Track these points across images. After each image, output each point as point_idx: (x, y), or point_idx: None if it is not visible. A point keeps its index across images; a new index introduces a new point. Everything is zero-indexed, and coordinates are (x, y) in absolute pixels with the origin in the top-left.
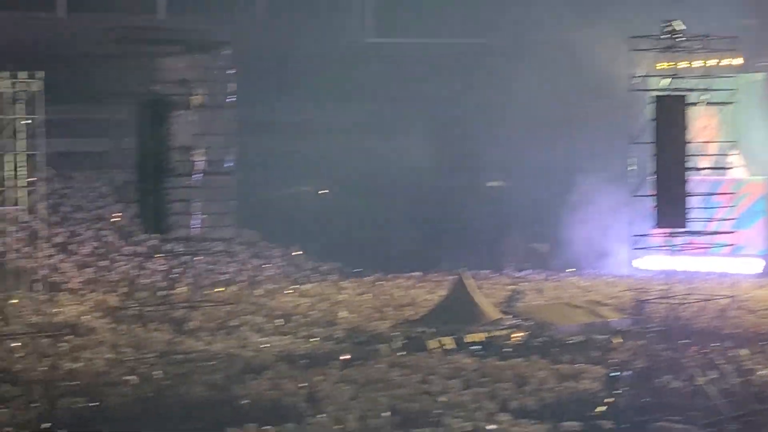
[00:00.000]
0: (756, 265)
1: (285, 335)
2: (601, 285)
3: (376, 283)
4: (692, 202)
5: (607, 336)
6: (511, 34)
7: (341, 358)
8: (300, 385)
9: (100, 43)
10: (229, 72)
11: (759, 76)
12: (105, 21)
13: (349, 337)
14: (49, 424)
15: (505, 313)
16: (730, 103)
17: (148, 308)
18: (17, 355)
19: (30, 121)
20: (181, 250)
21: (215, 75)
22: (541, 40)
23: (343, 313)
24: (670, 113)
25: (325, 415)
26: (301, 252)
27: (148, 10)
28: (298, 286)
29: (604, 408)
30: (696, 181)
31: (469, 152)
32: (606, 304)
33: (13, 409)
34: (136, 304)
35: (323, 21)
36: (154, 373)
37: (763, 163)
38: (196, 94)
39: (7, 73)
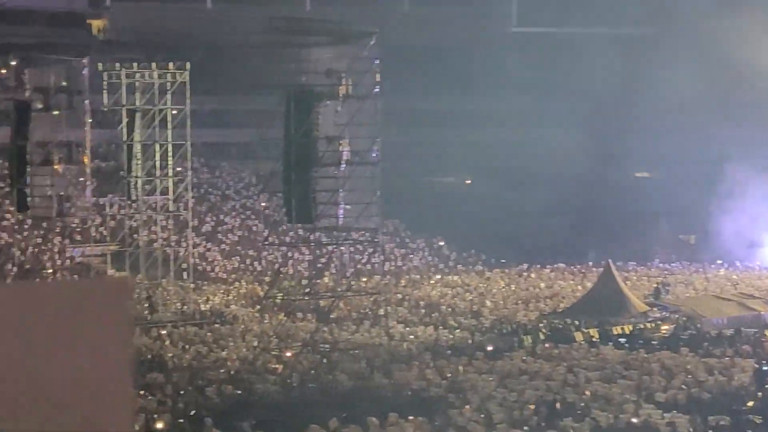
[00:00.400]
0: None
1: (429, 326)
2: (752, 277)
3: (522, 274)
4: None
5: (757, 329)
6: (658, 23)
7: (487, 348)
8: (444, 375)
9: (248, 33)
10: (374, 62)
11: None
12: (252, 12)
13: (494, 328)
14: (195, 411)
15: (652, 305)
16: None
17: (294, 298)
18: (165, 343)
19: (178, 112)
20: (326, 240)
21: (361, 65)
22: (688, 29)
23: (488, 304)
24: None
25: (469, 406)
26: (444, 243)
27: (295, 2)
28: (442, 276)
29: (754, 402)
30: None
31: (616, 143)
32: (757, 297)
33: (160, 397)
34: (282, 294)
35: (469, 11)
36: (298, 362)
37: None
38: (343, 85)
39: (155, 64)
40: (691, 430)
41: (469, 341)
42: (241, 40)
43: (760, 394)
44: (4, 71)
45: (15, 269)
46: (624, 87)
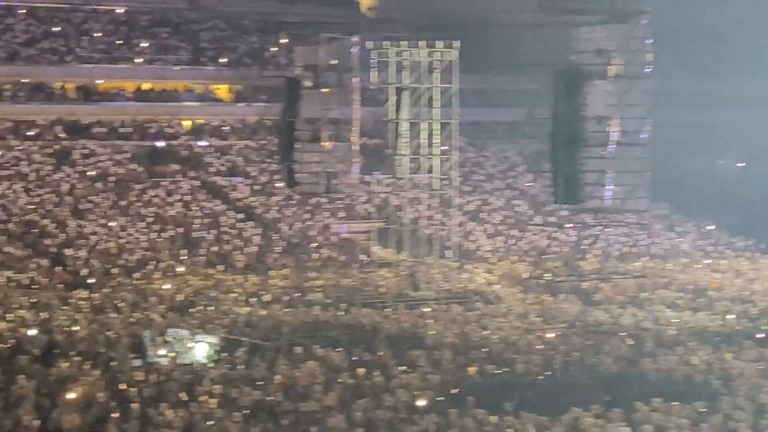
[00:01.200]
0: None
1: (697, 311)
2: None
3: None
4: None
5: None
6: None
7: (757, 336)
8: (711, 362)
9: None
10: (647, 42)
11: None
12: None
13: (764, 315)
14: (457, 390)
15: None
16: None
17: (558, 279)
18: (427, 322)
19: (444, 90)
20: (592, 221)
21: (632, 45)
22: None
23: (757, 290)
24: None
25: (737, 395)
26: (714, 227)
27: None
28: (711, 261)
29: None
30: None
31: None
32: None
33: (422, 373)
34: (546, 274)
35: None
36: (561, 343)
37: None
38: (613, 64)
39: (424, 42)
40: None
41: (738, 328)
42: (510, 18)
43: None
44: (275, 49)
45: (283, 243)
46: None
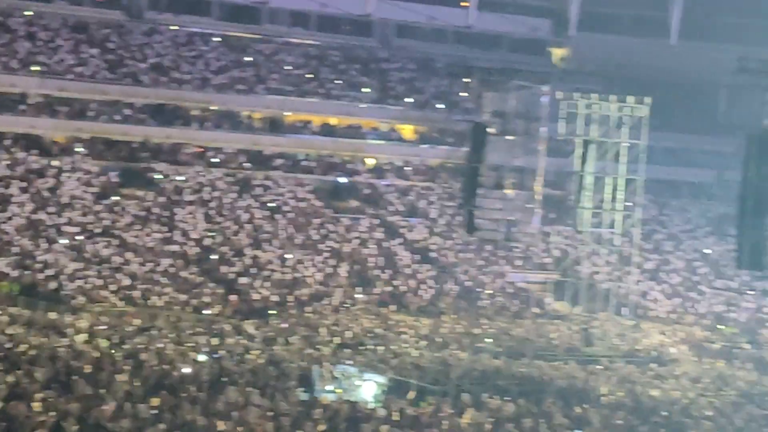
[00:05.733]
0: None
1: None
2: None
3: None
4: None
5: None
6: None
7: None
8: None
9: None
10: None
11: None
12: (719, 51)
13: None
14: None
15: None
16: None
17: (734, 345)
18: (599, 378)
19: (631, 146)
20: None
21: None
22: None
23: None
24: None
25: None
26: None
27: (762, 43)
28: None
29: None
30: None
31: None
32: None
33: (589, 431)
34: (722, 340)
35: None
36: (735, 411)
37: None
38: None
39: (615, 97)
40: None
41: None
42: (705, 78)
43: None
44: (463, 93)
45: (457, 288)
46: None
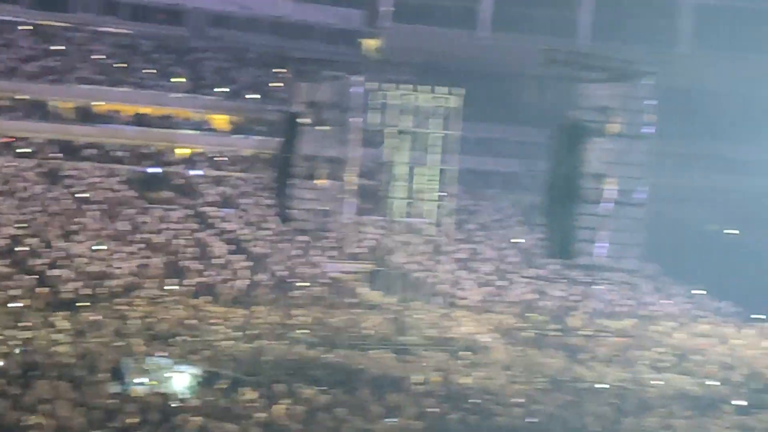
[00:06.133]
0: None
1: (680, 374)
2: None
3: None
4: None
5: None
6: None
7: (736, 403)
8: (691, 427)
9: (522, 64)
10: (649, 103)
11: None
12: (528, 43)
13: (746, 384)
14: None
15: None
16: None
17: (544, 333)
18: (410, 366)
19: (444, 136)
20: (582, 277)
21: (635, 105)
22: None
23: (741, 358)
24: None
25: None
26: (703, 291)
27: (570, 35)
28: (697, 325)
29: None
30: None
31: None
32: None
33: (404, 419)
34: (532, 328)
35: (751, 57)
36: (544, 397)
37: None
38: (614, 123)
39: (428, 87)
40: None
41: (720, 394)
42: (515, 70)
43: None
44: (276, 83)
45: (272, 279)
46: None
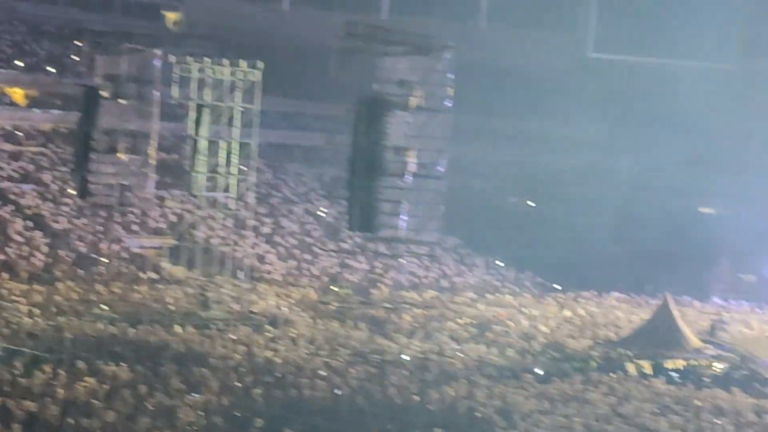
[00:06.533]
0: None
1: (481, 344)
2: None
3: (577, 300)
4: None
5: None
6: (737, 58)
7: (535, 372)
8: (493, 395)
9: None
10: (448, 76)
11: None
12: (329, 17)
13: (545, 352)
14: (242, 412)
15: (707, 342)
16: None
17: (348, 306)
18: (215, 341)
19: (246, 110)
20: (385, 250)
21: (435, 78)
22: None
23: (541, 328)
24: None
25: (516, 429)
26: (502, 263)
27: (372, 9)
28: (497, 296)
29: None
30: None
31: (683, 175)
32: None
33: (206, 395)
34: (336, 301)
35: (546, 33)
36: (348, 371)
37: None
38: (414, 96)
39: (228, 61)
40: None
41: (520, 363)
42: (316, 43)
43: None
44: (75, 57)
45: (72, 255)
46: (697, 120)
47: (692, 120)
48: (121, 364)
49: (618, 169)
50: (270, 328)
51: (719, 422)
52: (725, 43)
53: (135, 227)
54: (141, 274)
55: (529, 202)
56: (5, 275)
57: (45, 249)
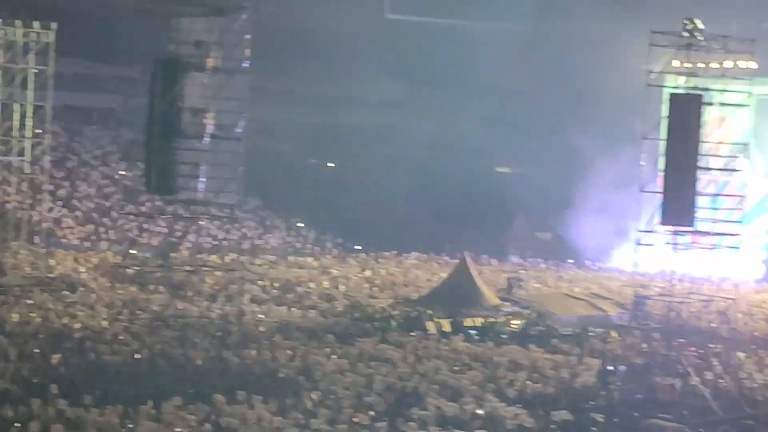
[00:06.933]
0: (757, 270)
1: (283, 306)
2: (602, 278)
3: (378, 260)
4: (699, 201)
5: (605, 330)
6: (531, 20)
7: (338, 332)
8: (295, 356)
9: None
10: (245, 37)
11: None
12: None
13: (346, 313)
14: (40, 379)
15: (504, 299)
16: (744, 105)
17: (147, 269)
18: (11, 308)
19: (40, 72)
20: (184, 212)
21: (231, 39)
22: (561, 28)
23: (342, 288)
24: (685, 112)
25: (318, 388)
26: (303, 224)
27: None
28: (298, 258)
29: (597, 401)
30: (704, 181)
31: (480, 136)
32: (606, 298)
33: (5, 362)
34: (136, 264)
35: None
36: (149, 334)
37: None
38: (211, 57)
39: (20, 22)
40: (534, 424)
41: (321, 324)
42: (111, 4)
43: (603, 393)
44: None
45: None
46: (493, 81)
47: (488, 81)
48: None
49: (417, 130)
50: (68, 293)
51: (517, 377)
52: (519, 5)
53: None
54: None
55: (329, 164)
56: None
57: None
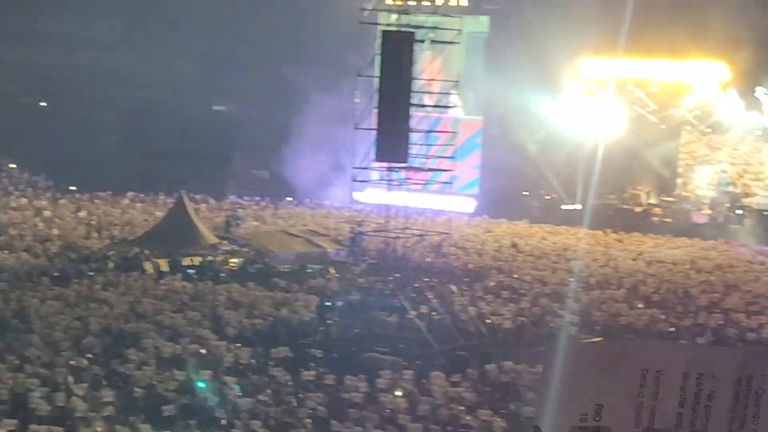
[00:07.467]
0: (468, 204)
1: None
2: (320, 215)
3: (93, 201)
4: (413, 138)
5: (322, 266)
6: None
7: (53, 274)
8: (8, 300)
9: None
10: None
11: (483, 18)
12: None
13: (62, 254)
14: None
15: (222, 238)
16: (455, 43)
17: None
18: None
19: None
20: None
21: None
22: None
23: (56, 230)
24: (397, 49)
25: (33, 331)
26: (15, 165)
27: None
28: (12, 198)
29: (315, 336)
30: (418, 118)
31: (193, 73)
32: (323, 235)
33: None
34: None
35: None
36: None
37: (480, 104)
38: None
39: None
40: (254, 361)
41: (36, 266)
42: None
43: (321, 328)
44: None
45: None
46: (209, 17)
47: (204, 17)
48: None
49: (133, 69)
50: None
51: (236, 315)
52: None
53: None
54: None
55: (41, 103)
56: None
57: None
